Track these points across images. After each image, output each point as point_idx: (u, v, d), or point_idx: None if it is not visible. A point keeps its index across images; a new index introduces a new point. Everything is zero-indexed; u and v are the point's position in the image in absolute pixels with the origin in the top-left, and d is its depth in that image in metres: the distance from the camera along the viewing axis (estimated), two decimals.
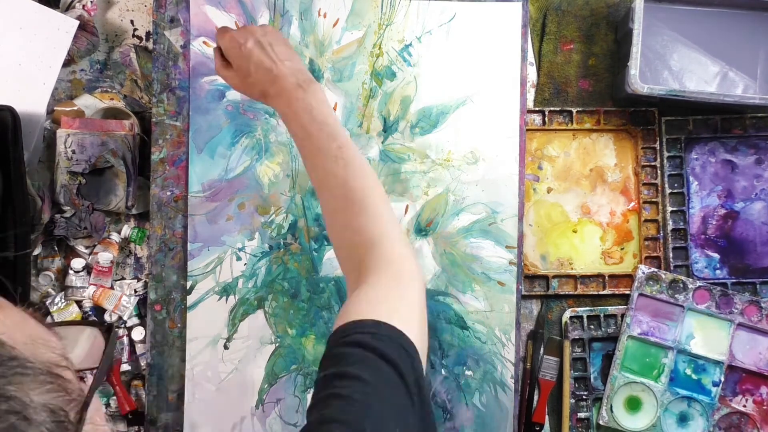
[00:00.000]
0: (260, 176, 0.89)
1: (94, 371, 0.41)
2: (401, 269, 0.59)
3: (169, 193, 0.88)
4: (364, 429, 0.45)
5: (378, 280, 0.57)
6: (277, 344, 0.88)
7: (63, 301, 0.87)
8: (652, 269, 0.90)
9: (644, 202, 0.92)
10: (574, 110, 0.92)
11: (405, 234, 0.61)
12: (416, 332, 0.54)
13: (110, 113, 0.90)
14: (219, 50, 0.74)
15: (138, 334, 0.88)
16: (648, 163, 0.92)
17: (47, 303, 0.87)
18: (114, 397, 0.88)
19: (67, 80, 0.90)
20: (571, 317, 0.90)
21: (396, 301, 0.56)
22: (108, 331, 0.43)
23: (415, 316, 0.56)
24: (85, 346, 0.43)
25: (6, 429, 0.30)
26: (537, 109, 0.92)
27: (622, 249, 0.92)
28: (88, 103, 0.89)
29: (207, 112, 0.88)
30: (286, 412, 0.88)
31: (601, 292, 0.91)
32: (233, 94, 0.89)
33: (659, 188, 0.92)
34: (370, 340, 0.51)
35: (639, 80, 0.83)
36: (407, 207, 0.89)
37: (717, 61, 0.89)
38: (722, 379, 0.89)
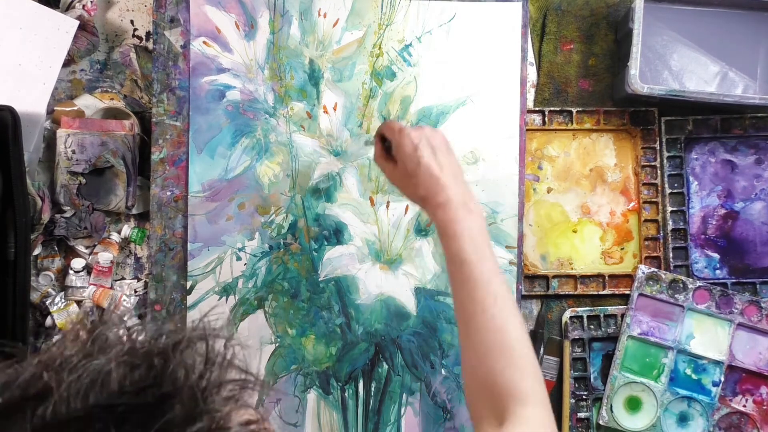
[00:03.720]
0: (260, 176, 0.89)
1: None
2: (534, 428, 0.59)
3: (169, 193, 0.88)
4: None
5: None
6: (277, 344, 0.88)
7: (63, 301, 0.87)
8: (652, 269, 0.90)
9: (644, 202, 0.92)
10: (574, 110, 0.92)
11: (546, 391, 0.62)
12: None
13: (110, 113, 0.90)
14: (382, 139, 0.73)
15: None
16: (648, 163, 0.92)
17: (47, 303, 0.87)
18: None
19: (67, 80, 0.90)
20: (571, 317, 0.90)
21: None
22: None
23: None
24: None
25: None
26: (537, 109, 0.92)
27: (622, 249, 0.92)
28: (88, 103, 0.89)
29: (207, 112, 0.88)
30: (286, 412, 0.88)
31: (601, 292, 0.91)
32: (233, 94, 0.89)
33: (659, 188, 0.92)
34: None
35: (639, 80, 0.83)
36: (407, 207, 0.89)
37: (717, 61, 0.89)
38: (722, 379, 0.89)
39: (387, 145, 0.73)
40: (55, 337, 0.86)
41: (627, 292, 0.91)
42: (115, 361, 0.34)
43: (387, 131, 0.73)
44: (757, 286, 0.91)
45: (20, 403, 0.33)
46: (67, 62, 0.89)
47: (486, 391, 0.61)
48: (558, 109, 0.92)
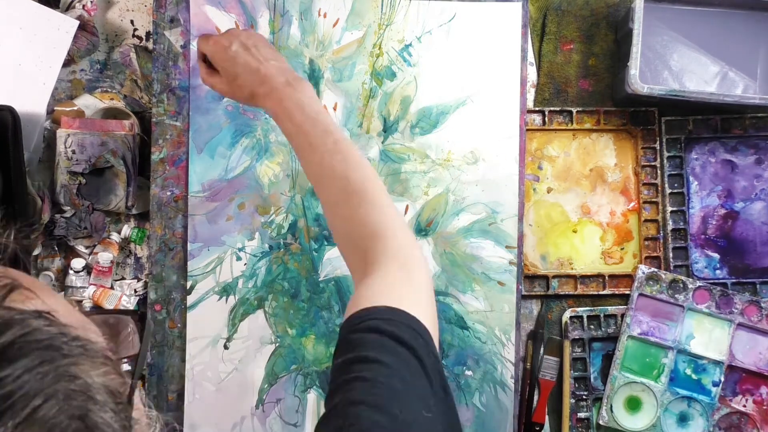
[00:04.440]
0: (260, 176, 0.89)
1: (133, 358, 0.42)
2: (407, 257, 0.59)
3: (169, 193, 0.88)
4: (394, 411, 0.45)
5: (386, 269, 0.57)
6: (277, 344, 0.88)
7: None
8: (652, 269, 0.90)
9: (644, 202, 0.92)
10: (574, 110, 0.92)
11: (406, 222, 0.61)
12: (428, 317, 0.55)
13: (110, 113, 0.90)
14: (203, 58, 0.74)
15: None
16: (648, 163, 0.92)
17: None
18: None
19: (67, 80, 0.90)
20: (571, 317, 0.90)
21: (406, 288, 0.56)
22: (141, 319, 0.45)
23: (425, 302, 0.57)
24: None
25: (75, 408, 0.30)
26: (537, 109, 0.92)
27: (622, 249, 0.92)
28: (88, 103, 0.89)
29: (207, 112, 0.88)
30: (286, 412, 0.88)
31: (601, 292, 0.91)
32: None
33: (659, 188, 0.92)
34: (385, 325, 0.51)
35: (639, 80, 0.83)
36: (407, 207, 0.89)
37: (717, 61, 0.89)
38: (722, 379, 0.89)
39: (209, 63, 0.73)
40: None
41: (627, 292, 0.91)
42: None
43: (201, 45, 0.73)
44: (757, 286, 0.91)
45: None
46: (67, 62, 0.89)
47: (348, 241, 0.62)
48: (558, 109, 0.92)
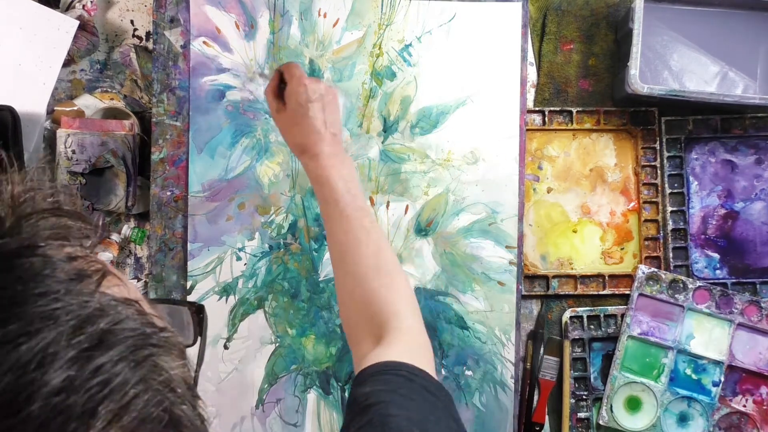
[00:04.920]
0: (260, 176, 0.89)
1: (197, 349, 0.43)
2: (416, 340, 0.64)
3: (169, 193, 0.88)
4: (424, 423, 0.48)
5: (398, 343, 0.61)
6: (277, 344, 0.88)
7: None
8: (652, 269, 0.90)
9: (644, 202, 0.92)
10: (574, 110, 0.92)
11: (419, 313, 0.67)
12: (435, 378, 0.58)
13: (110, 113, 0.90)
14: (279, 77, 0.75)
15: None
16: (648, 163, 0.92)
17: None
18: None
19: (67, 80, 0.90)
20: (571, 317, 0.90)
21: (417, 359, 0.59)
22: (199, 311, 0.45)
23: (432, 369, 0.59)
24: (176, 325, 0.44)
25: (163, 400, 0.30)
26: (537, 109, 0.92)
27: (622, 249, 0.92)
28: (88, 103, 0.89)
29: (207, 112, 0.88)
30: (286, 412, 0.88)
31: (601, 292, 0.91)
32: (233, 94, 0.89)
33: (659, 188, 0.92)
34: (406, 370, 0.55)
35: (639, 80, 0.83)
36: (407, 207, 0.89)
37: (717, 61, 0.89)
38: (722, 379, 0.89)
39: (282, 86, 0.74)
40: None
41: (627, 292, 0.91)
42: None
43: (287, 73, 0.73)
44: (757, 286, 0.91)
45: None
46: (67, 62, 0.89)
47: (364, 312, 0.65)
48: (558, 109, 0.92)
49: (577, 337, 0.90)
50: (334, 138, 0.71)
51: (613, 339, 0.90)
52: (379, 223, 0.69)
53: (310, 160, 0.70)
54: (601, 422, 0.89)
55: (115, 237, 0.89)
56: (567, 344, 0.90)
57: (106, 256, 0.87)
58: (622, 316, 0.90)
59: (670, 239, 0.91)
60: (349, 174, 0.69)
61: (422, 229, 0.89)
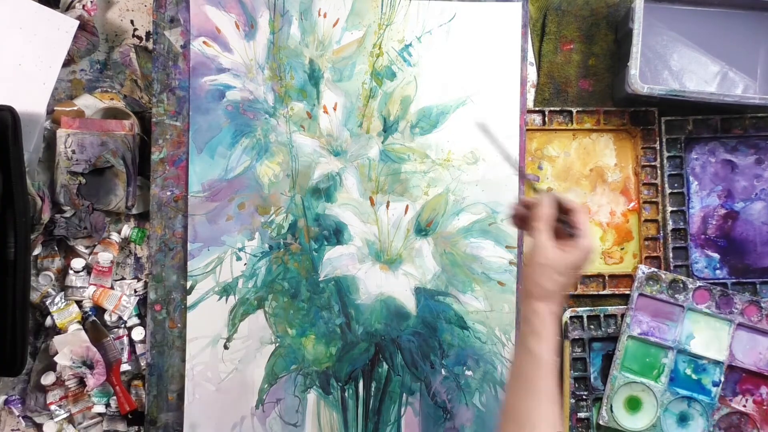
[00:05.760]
0: (260, 176, 0.89)
1: None
2: None
3: (169, 193, 0.88)
4: None
5: None
6: (277, 344, 0.88)
7: (63, 301, 0.87)
8: (652, 269, 0.90)
9: (644, 202, 0.92)
10: (574, 110, 0.92)
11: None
12: None
13: (110, 113, 0.90)
14: (561, 211, 0.67)
15: (138, 334, 0.89)
16: (648, 163, 0.92)
17: (47, 303, 0.87)
18: (114, 397, 0.88)
19: (67, 80, 0.90)
20: (571, 317, 0.90)
21: None
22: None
23: None
24: None
25: None
26: (537, 109, 0.92)
27: (622, 249, 0.92)
28: (88, 103, 0.89)
29: (207, 112, 0.88)
30: (286, 412, 0.88)
31: (601, 292, 0.91)
32: (233, 94, 0.89)
33: (659, 188, 0.92)
34: None
35: (639, 80, 0.83)
36: (407, 207, 0.89)
37: (717, 61, 0.89)
38: (722, 379, 0.89)
39: (568, 230, 0.65)
40: (56, 338, 0.86)
41: (627, 292, 0.91)
42: None
43: (576, 213, 0.65)
44: (757, 286, 0.91)
45: None
46: (67, 62, 0.89)
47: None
48: (558, 109, 0.92)
49: (577, 337, 0.90)
50: (565, 297, 0.68)
51: (613, 339, 0.90)
52: (557, 381, 0.65)
53: (548, 313, 0.65)
54: (601, 422, 0.89)
55: (115, 237, 0.89)
56: (567, 344, 0.90)
57: (106, 256, 0.87)
58: (622, 316, 0.90)
59: (670, 239, 0.91)
60: (556, 332, 0.65)
61: (422, 229, 0.89)
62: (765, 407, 0.90)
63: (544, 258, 0.64)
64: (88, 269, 0.89)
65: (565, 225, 0.65)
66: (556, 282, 0.64)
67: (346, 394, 0.89)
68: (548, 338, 0.64)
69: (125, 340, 0.89)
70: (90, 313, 0.88)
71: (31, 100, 0.86)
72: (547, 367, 0.64)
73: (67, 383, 0.87)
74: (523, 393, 0.64)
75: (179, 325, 0.88)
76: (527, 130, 0.91)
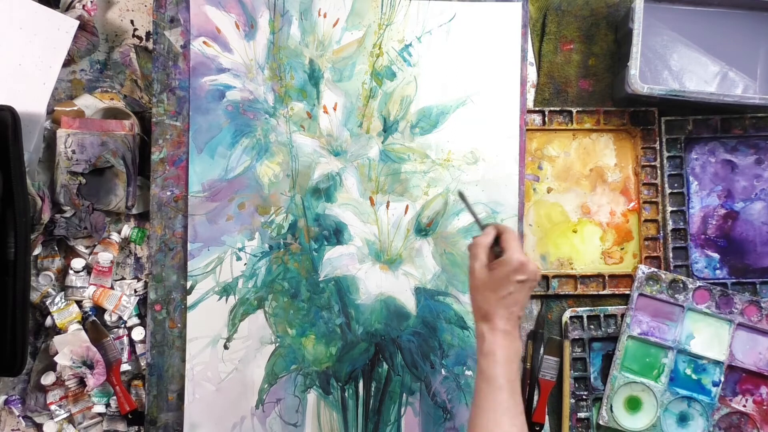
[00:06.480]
0: (260, 176, 0.89)
1: None
2: None
3: (169, 193, 0.88)
4: None
5: None
6: (277, 344, 0.88)
7: (63, 301, 0.87)
8: (652, 269, 0.90)
9: (644, 202, 0.92)
10: (574, 110, 0.92)
11: None
12: None
13: (110, 113, 0.90)
14: (496, 236, 0.72)
15: (138, 334, 0.89)
16: (648, 163, 0.92)
17: (47, 303, 0.87)
18: (114, 397, 0.88)
19: (67, 80, 0.90)
20: (571, 317, 0.90)
21: None
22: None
23: None
24: None
25: None
26: (537, 109, 0.92)
27: (622, 249, 0.92)
28: (88, 103, 0.89)
29: (207, 112, 0.88)
30: (286, 412, 0.88)
31: (601, 292, 0.91)
32: (233, 94, 0.89)
33: (659, 188, 0.92)
34: None
35: (639, 80, 0.83)
36: (407, 207, 0.89)
37: (717, 61, 0.89)
38: (722, 379, 0.89)
39: (497, 251, 0.71)
40: (56, 338, 0.86)
41: (627, 292, 0.91)
42: None
43: (507, 241, 0.71)
44: (757, 286, 0.91)
45: None
46: (67, 62, 0.89)
47: None
48: (558, 109, 0.92)
49: (577, 337, 0.90)
50: (517, 320, 0.70)
51: (613, 339, 0.90)
52: (519, 408, 0.68)
53: (488, 331, 0.69)
54: (601, 422, 0.89)
55: (115, 237, 0.89)
56: (567, 344, 0.90)
57: (106, 256, 0.87)
58: (622, 316, 0.90)
59: (670, 239, 0.91)
60: (515, 355, 0.69)
61: (422, 229, 0.89)
62: (765, 407, 0.90)
63: (477, 280, 0.71)
64: (88, 269, 0.89)
65: (496, 247, 0.72)
66: (490, 299, 0.69)
67: (346, 394, 0.89)
68: (497, 355, 0.68)
69: (125, 340, 0.89)
70: (90, 313, 0.88)
71: (31, 100, 0.86)
72: (498, 383, 0.67)
73: (67, 383, 0.87)
74: (481, 411, 0.68)
75: (179, 325, 0.88)
76: (527, 130, 0.91)
